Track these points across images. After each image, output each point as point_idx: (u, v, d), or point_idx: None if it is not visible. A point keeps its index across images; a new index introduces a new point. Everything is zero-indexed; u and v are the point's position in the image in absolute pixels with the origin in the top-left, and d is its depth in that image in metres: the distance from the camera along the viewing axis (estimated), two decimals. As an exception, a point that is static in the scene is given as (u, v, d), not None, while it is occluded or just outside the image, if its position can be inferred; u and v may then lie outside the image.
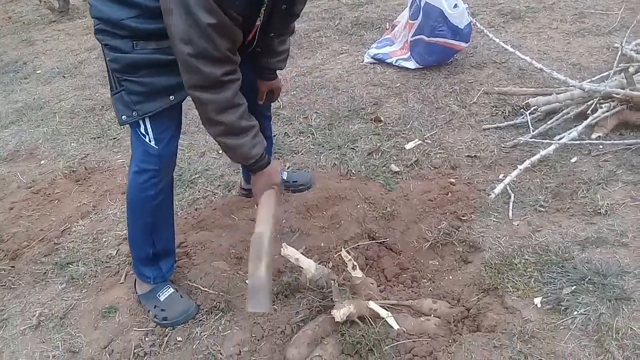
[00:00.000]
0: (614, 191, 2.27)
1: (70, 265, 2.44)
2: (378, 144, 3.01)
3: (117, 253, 2.48)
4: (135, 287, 2.17)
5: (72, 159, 3.46)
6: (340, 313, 1.84)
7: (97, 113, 4.08)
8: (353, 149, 3.02)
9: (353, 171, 2.81)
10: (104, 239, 2.62)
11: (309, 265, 2.02)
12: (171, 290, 2.07)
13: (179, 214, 2.70)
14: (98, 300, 2.21)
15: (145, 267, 2.05)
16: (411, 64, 3.79)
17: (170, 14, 1.46)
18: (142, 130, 1.79)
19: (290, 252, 1.98)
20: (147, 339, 1.98)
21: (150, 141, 1.80)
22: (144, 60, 1.66)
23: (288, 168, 2.92)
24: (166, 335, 1.97)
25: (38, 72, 5.22)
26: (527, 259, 2.01)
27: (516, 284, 1.92)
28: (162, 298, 2.05)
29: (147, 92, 1.71)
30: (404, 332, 1.89)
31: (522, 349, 1.67)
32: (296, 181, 2.70)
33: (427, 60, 3.72)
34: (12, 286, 2.40)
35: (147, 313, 2.07)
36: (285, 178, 2.67)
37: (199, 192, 2.89)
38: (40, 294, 2.31)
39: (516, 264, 1.99)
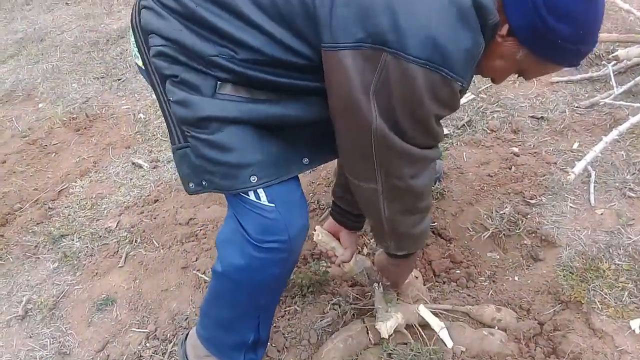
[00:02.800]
0: None
1: (64, 239, 2.11)
2: (423, 97, 2.54)
3: (117, 226, 2.13)
4: (182, 351, 1.50)
5: (73, 103, 3.06)
6: (387, 326, 1.48)
7: (101, 48, 3.64)
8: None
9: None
10: (104, 206, 2.27)
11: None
12: None
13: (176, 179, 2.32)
14: (93, 286, 1.89)
15: (236, 352, 1.40)
16: None
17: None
18: (252, 197, 1.17)
19: (325, 238, 1.60)
20: (147, 344, 1.66)
21: (259, 198, 1.16)
22: (230, 113, 1.11)
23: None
24: (170, 342, 1.64)
25: (40, -4, 4.75)
26: (619, 265, 1.61)
27: (605, 298, 1.53)
28: None
29: (223, 162, 1.14)
30: (462, 352, 1.53)
31: (620, 396, 1.31)
32: None
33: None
34: (0, 261, 2.08)
35: None
36: None
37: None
38: (29, 274, 2.00)
39: (604, 271, 1.59)
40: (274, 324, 1.66)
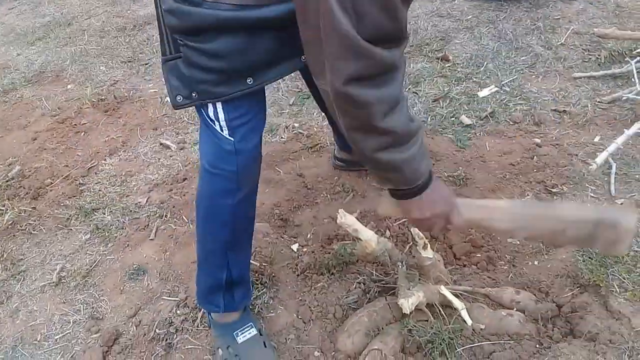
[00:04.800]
0: None
1: (96, 213, 2.18)
2: (446, 89, 2.59)
3: (147, 202, 2.20)
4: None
5: (101, 85, 3.14)
6: (409, 303, 1.53)
7: (128, 33, 3.72)
8: (416, 92, 2.62)
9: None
10: (133, 183, 2.34)
11: (369, 237, 1.70)
12: (254, 331, 1.55)
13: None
14: (125, 257, 1.96)
15: (214, 295, 1.52)
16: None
17: None
18: (211, 114, 1.26)
19: (349, 220, 1.66)
20: (178, 311, 1.72)
21: (222, 130, 1.27)
22: (220, 21, 1.13)
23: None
24: (199, 310, 1.70)
25: (67, -18, 4.83)
26: (637, 251, 1.65)
27: (624, 282, 1.58)
28: (240, 339, 1.53)
29: (216, 68, 1.19)
30: (481, 330, 1.59)
31: (637, 372, 1.35)
32: None
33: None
34: (33, 231, 2.16)
35: (214, 350, 1.58)
36: None
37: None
38: (62, 244, 2.07)
39: (623, 257, 1.63)
40: (300, 297, 1.72)
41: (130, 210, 2.15)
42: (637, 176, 1.94)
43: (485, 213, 1.26)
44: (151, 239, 1.99)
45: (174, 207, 2.12)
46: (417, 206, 1.18)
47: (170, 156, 2.50)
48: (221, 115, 1.25)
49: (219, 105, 1.24)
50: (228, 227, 1.42)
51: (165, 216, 2.09)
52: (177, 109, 1.28)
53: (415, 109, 2.50)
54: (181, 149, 2.54)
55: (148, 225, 2.07)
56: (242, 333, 1.54)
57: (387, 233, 1.96)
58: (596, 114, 2.29)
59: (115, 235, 2.05)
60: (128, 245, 1.99)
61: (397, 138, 1.03)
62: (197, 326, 1.67)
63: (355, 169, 2.14)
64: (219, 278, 1.48)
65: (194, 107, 1.29)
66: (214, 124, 1.27)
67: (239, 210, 1.40)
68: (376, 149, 1.04)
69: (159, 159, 2.48)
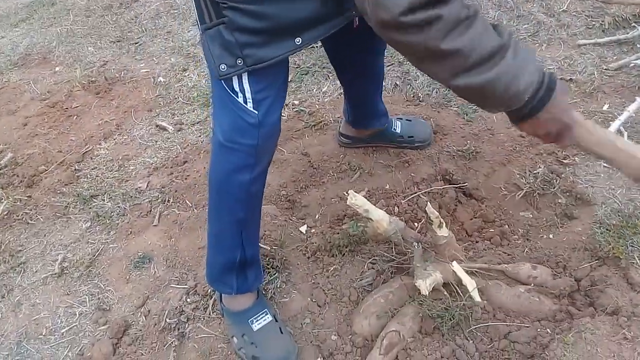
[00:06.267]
0: None
1: (95, 200, 2.12)
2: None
3: (147, 186, 2.14)
4: (218, 293, 1.60)
5: (90, 67, 3.04)
6: (426, 284, 1.50)
7: (115, 12, 3.60)
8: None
9: (420, 95, 2.36)
10: (131, 167, 2.27)
11: (381, 217, 1.66)
12: (269, 318, 1.52)
13: (202, 141, 2.32)
14: (129, 245, 1.90)
15: (227, 275, 1.48)
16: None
17: None
18: (236, 86, 1.21)
19: (359, 201, 1.62)
20: (188, 299, 1.67)
21: (246, 102, 1.22)
22: None
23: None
24: (211, 297, 1.66)
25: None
26: (657, 223, 1.62)
27: (644, 254, 1.55)
28: (255, 327, 1.49)
29: (264, 29, 1.13)
30: (499, 310, 1.56)
31: (664, 345, 1.33)
32: (412, 137, 2.06)
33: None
34: (30, 221, 2.09)
35: (229, 338, 1.54)
36: (398, 131, 2.06)
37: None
38: (62, 234, 2.01)
39: (641, 228, 1.60)
40: (313, 280, 1.68)
41: (131, 196, 2.09)
42: (650, 144, 1.90)
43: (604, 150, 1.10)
44: (155, 225, 1.94)
45: (176, 191, 2.06)
46: (536, 126, 1.04)
47: (168, 138, 2.42)
48: (247, 87, 1.20)
49: (244, 77, 1.19)
50: (244, 204, 1.38)
51: (168, 201, 2.03)
52: (219, 78, 1.20)
53: (417, 81, 2.43)
54: (178, 130, 2.47)
55: (150, 210, 2.01)
56: (257, 320, 1.50)
57: (396, 210, 1.92)
58: (603, 82, 2.24)
59: (117, 222, 1.99)
60: (131, 232, 1.94)
61: (467, 59, 0.92)
62: (209, 314, 1.62)
63: (361, 145, 2.08)
64: (233, 257, 1.44)
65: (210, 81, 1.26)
66: (237, 96, 1.22)
67: (254, 187, 1.36)
68: (450, 76, 0.95)
69: (156, 141, 2.41)
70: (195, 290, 1.68)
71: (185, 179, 2.11)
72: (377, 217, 1.66)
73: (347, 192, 1.78)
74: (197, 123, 2.48)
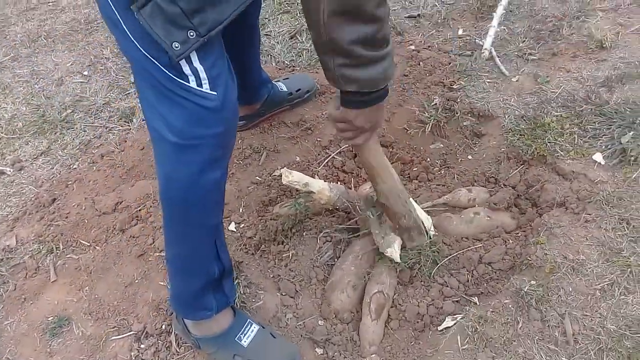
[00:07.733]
0: (598, 21, 2.07)
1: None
2: (296, 24, 2.45)
3: (17, 242, 1.71)
4: (180, 325, 1.34)
5: None
6: (395, 249, 1.42)
7: None
8: (267, 34, 2.43)
9: (285, 61, 2.26)
10: (-18, 228, 1.81)
11: (322, 187, 1.56)
12: (255, 327, 1.32)
13: (76, 165, 1.96)
14: (29, 314, 1.51)
15: (204, 297, 1.25)
16: None
17: None
18: (186, 69, 0.99)
19: (296, 176, 1.52)
20: (142, 345, 1.38)
21: (201, 85, 1.01)
22: None
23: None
24: (168, 333, 1.39)
25: None
26: (559, 115, 1.75)
27: (562, 145, 1.66)
28: (245, 342, 1.30)
29: None
30: (461, 239, 1.56)
31: (621, 214, 1.43)
32: (300, 89, 1.99)
33: None
34: None
35: None
36: (285, 89, 1.97)
37: (85, 131, 2.13)
38: None
39: (549, 124, 1.72)
40: (273, 274, 1.51)
41: (2, 259, 1.66)
42: (515, 53, 2.05)
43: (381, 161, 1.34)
44: (54, 281, 1.56)
45: (61, 234, 1.68)
46: (363, 115, 1.14)
47: (12, 182, 1.98)
48: (198, 66, 0.98)
49: (194, 55, 0.97)
50: (218, 206, 1.19)
51: (57, 248, 1.65)
52: (177, 58, 0.96)
53: (275, 50, 2.32)
54: (20, 170, 2.03)
55: (38, 267, 1.61)
56: (245, 334, 1.30)
57: (316, 177, 1.81)
58: (449, 10, 2.36)
59: (1, 293, 1.57)
60: (25, 299, 1.53)
61: (381, 32, 0.97)
62: (176, 351, 1.36)
63: (256, 121, 1.93)
64: (211, 274, 1.23)
65: None
66: (189, 80, 0.99)
67: (223, 181, 1.15)
68: (355, 40, 0.96)
69: (-3, 190, 1.95)
70: (146, 332, 1.39)
71: (66, 217, 1.74)
72: (317, 187, 1.55)
73: (272, 174, 1.64)
74: (41, 155, 2.07)
